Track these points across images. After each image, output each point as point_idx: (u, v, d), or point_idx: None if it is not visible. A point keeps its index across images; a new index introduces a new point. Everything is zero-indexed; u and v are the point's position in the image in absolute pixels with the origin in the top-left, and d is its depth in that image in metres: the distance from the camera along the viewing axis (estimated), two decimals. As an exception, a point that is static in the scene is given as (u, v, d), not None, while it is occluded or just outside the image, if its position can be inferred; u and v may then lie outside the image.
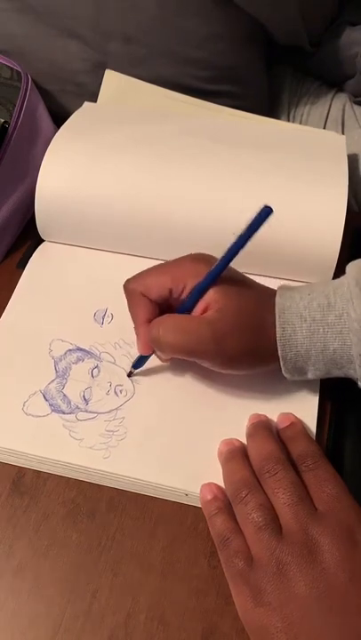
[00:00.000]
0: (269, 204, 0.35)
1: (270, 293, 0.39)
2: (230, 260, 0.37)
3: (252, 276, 0.41)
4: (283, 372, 0.38)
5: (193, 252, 0.40)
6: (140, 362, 0.42)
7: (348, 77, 0.62)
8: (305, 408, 0.41)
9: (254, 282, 0.40)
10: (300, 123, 0.62)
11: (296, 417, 0.40)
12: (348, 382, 0.42)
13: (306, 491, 0.34)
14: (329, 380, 0.43)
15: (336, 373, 0.38)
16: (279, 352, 0.37)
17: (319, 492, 0.34)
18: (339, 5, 0.60)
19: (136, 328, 0.40)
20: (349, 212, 0.45)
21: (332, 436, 0.41)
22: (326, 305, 0.36)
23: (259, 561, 0.32)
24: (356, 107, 0.61)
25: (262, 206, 0.35)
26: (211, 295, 0.37)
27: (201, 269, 0.38)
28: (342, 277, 0.38)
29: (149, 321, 0.39)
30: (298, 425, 0.39)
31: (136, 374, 0.43)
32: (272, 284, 0.48)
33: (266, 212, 0.35)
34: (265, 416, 0.40)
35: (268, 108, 0.63)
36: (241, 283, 0.39)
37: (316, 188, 0.47)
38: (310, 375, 0.38)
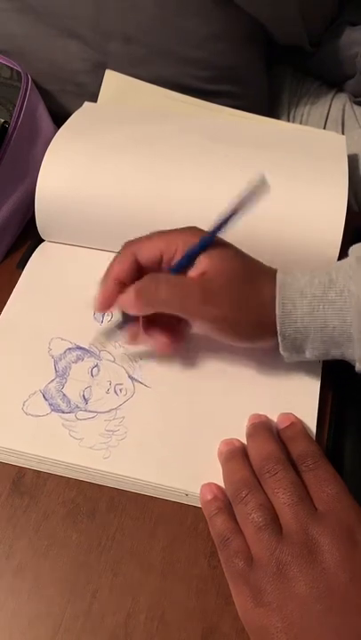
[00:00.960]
0: (266, 232, 0.37)
1: (267, 269, 0.39)
2: (222, 224, 0.37)
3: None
4: (280, 349, 0.38)
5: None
6: (123, 323, 0.42)
7: (348, 77, 0.62)
8: (305, 408, 0.41)
9: (250, 256, 0.40)
10: (300, 123, 0.62)
11: (296, 417, 0.40)
12: (347, 382, 0.42)
13: (306, 491, 0.34)
14: (329, 379, 0.43)
15: (334, 353, 0.38)
16: (278, 328, 0.37)
17: (319, 492, 0.34)
18: (339, 5, 0.60)
19: (104, 280, 0.40)
20: (349, 211, 0.45)
21: (332, 436, 0.41)
22: (328, 282, 0.37)
23: (259, 561, 0.32)
24: (356, 107, 0.61)
25: (258, 176, 0.36)
26: (205, 262, 0.38)
27: (194, 237, 0.38)
28: (345, 259, 0.39)
29: (119, 279, 0.39)
30: (298, 425, 0.39)
31: (136, 377, 0.43)
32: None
33: (260, 181, 0.36)
34: (265, 416, 0.40)
35: (268, 108, 0.63)
36: (236, 251, 0.39)
37: (316, 187, 0.47)
38: (308, 354, 0.38)
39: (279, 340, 0.38)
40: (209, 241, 0.38)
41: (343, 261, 0.38)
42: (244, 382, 0.42)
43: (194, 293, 0.37)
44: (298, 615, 0.30)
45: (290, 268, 0.47)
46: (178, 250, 0.39)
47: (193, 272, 0.38)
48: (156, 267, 0.39)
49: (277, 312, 0.37)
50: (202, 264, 0.38)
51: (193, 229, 0.39)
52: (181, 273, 0.39)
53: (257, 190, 0.36)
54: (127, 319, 0.41)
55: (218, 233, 0.38)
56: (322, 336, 0.37)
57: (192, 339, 0.44)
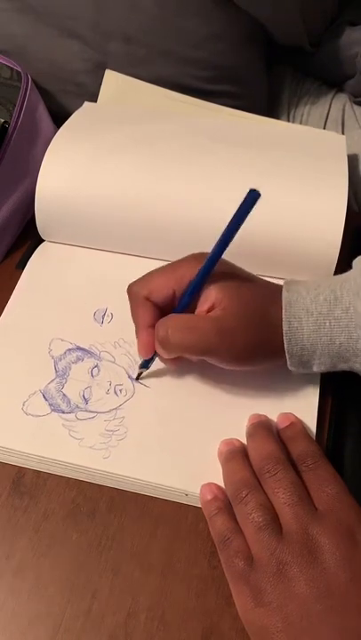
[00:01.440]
0: (256, 188, 0.35)
1: (274, 288, 0.39)
2: (222, 251, 0.37)
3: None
4: (288, 365, 0.38)
5: (194, 252, 0.40)
6: (145, 363, 0.42)
7: (348, 77, 0.62)
8: (305, 408, 0.41)
9: (256, 277, 0.40)
10: (300, 123, 0.62)
11: (296, 417, 0.40)
12: (348, 382, 0.42)
13: (306, 491, 0.34)
14: (329, 380, 0.43)
15: (342, 367, 0.38)
16: (285, 346, 0.37)
17: (319, 492, 0.34)
18: (339, 5, 0.60)
19: (138, 331, 0.40)
20: (349, 211, 0.45)
21: (332, 436, 0.41)
22: (333, 299, 0.37)
23: (259, 561, 0.32)
24: (356, 107, 0.61)
25: (248, 190, 0.35)
26: (214, 295, 0.37)
27: (198, 267, 0.38)
28: (349, 272, 0.39)
29: (151, 325, 0.39)
30: (298, 425, 0.39)
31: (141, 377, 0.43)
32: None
33: (253, 197, 0.35)
34: (265, 416, 0.40)
35: (268, 108, 0.63)
36: (243, 278, 0.39)
37: (317, 187, 0.47)
38: (316, 369, 0.38)
39: (287, 357, 0.38)
40: (209, 269, 0.37)
41: (347, 275, 0.38)
42: (244, 382, 0.42)
43: (210, 337, 0.37)
44: (298, 615, 0.30)
45: (290, 268, 0.47)
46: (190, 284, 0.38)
47: (201, 306, 0.38)
48: (170, 304, 0.39)
49: (284, 329, 0.37)
50: (210, 298, 0.38)
51: (198, 258, 0.39)
52: (189, 308, 0.39)
53: (251, 205, 0.35)
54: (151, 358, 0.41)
55: (217, 259, 0.37)
56: (329, 352, 0.37)
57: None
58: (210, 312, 0.38)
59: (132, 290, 0.40)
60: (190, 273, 0.38)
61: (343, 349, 0.37)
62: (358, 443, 0.41)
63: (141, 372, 0.43)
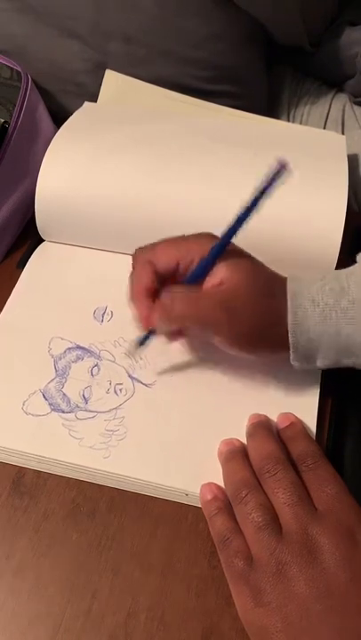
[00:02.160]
0: (266, 232, 0.36)
1: (280, 277, 0.38)
2: (238, 227, 0.37)
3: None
4: (291, 359, 0.38)
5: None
6: (144, 338, 0.41)
7: (348, 77, 0.62)
8: (305, 408, 0.41)
9: (263, 264, 0.40)
10: (300, 123, 0.62)
11: (296, 417, 0.40)
12: (348, 382, 0.42)
13: (306, 491, 0.34)
14: (329, 380, 0.43)
15: (345, 362, 0.37)
16: (290, 338, 0.36)
17: (319, 492, 0.34)
18: (339, 5, 0.60)
19: (134, 295, 0.39)
20: (349, 211, 0.45)
21: (332, 436, 0.41)
22: (339, 290, 0.36)
23: (259, 561, 0.32)
24: (356, 107, 0.61)
25: (278, 161, 0.34)
26: (223, 271, 0.37)
27: (210, 244, 0.37)
28: (354, 265, 0.38)
29: (148, 290, 0.38)
30: (298, 425, 0.39)
31: (136, 377, 0.43)
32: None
33: (281, 166, 0.34)
34: (265, 416, 0.40)
35: (268, 108, 0.63)
36: (252, 261, 0.39)
37: (317, 187, 0.47)
38: (319, 363, 0.38)
39: (291, 350, 0.37)
40: (222, 249, 0.37)
41: (353, 269, 0.38)
42: (244, 382, 0.42)
43: (216, 311, 0.36)
44: (297, 615, 0.30)
45: (290, 268, 0.47)
46: (195, 258, 0.38)
47: (210, 281, 0.37)
48: (173, 275, 0.39)
49: (289, 321, 0.36)
50: (219, 274, 0.37)
51: (208, 236, 0.38)
52: (197, 283, 0.38)
53: (277, 177, 0.34)
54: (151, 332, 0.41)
55: (232, 237, 0.37)
56: (335, 344, 0.36)
57: (191, 339, 0.44)
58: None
59: (136, 252, 0.40)
60: (198, 248, 0.38)
61: (350, 342, 0.36)
62: (358, 443, 0.41)
63: (137, 347, 0.41)
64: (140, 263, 0.39)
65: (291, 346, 0.37)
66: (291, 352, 0.37)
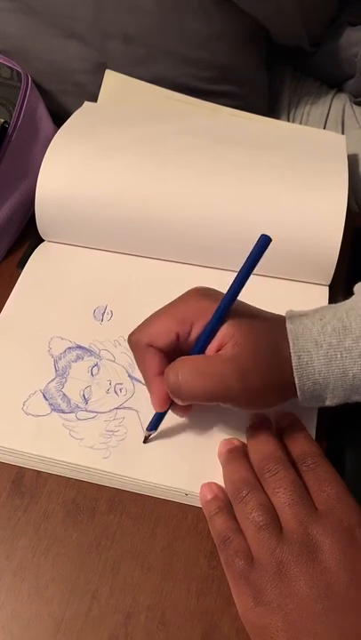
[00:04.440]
0: (266, 233, 0.34)
1: (281, 321, 0.36)
2: (237, 294, 0.35)
3: (252, 277, 0.41)
4: (300, 402, 0.36)
5: (197, 287, 0.38)
6: (156, 421, 0.39)
7: (348, 77, 0.62)
8: (305, 408, 0.41)
9: (261, 310, 0.38)
10: (300, 123, 0.62)
11: (296, 417, 0.40)
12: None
13: (306, 490, 0.34)
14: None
15: (356, 399, 0.36)
16: (296, 382, 0.34)
17: (319, 492, 0.34)
18: (339, 5, 0.60)
19: (147, 383, 0.38)
20: (349, 211, 0.45)
21: (332, 436, 0.41)
22: (342, 328, 0.34)
23: (259, 560, 0.32)
24: (356, 107, 0.61)
25: (260, 236, 0.34)
26: (223, 331, 0.35)
27: (206, 306, 0.36)
28: (352, 299, 0.37)
29: (161, 373, 0.36)
30: (298, 425, 0.39)
31: (136, 376, 0.43)
32: (272, 284, 0.48)
33: (265, 241, 0.34)
34: (265, 416, 0.40)
35: (268, 108, 0.63)
36: (250, 314, 0.37)
37: (317, 187, 0.47)
38: (328, 402, 0.36)
39: (298, 392, 0.35)
40: (225, 311, 0.35)
41: (351, 303, 0.36)
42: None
43: (230, 380, 0.34)
44: (298, 615, 0.30)
45: (290, 268, 0.47)
46: (194, 325, 0.36)
47: (214, 344, 0.35)
48: (174, 348, 0.37)
49: (294, 364, 0.34)
50: (224, 334, 0.35)
51: (201, 296, 0.37)
52: (203, 351, 0.36)
53: (262, 250, 0.34)
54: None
55: (230, 305, 0.35)
56: (342, 384, 0.35)
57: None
58: (220, 350, 0.35)
59: (131, 339, 0.38)
60: (194, 315, 0.36)
61: (357, 381, 0.34)
62: (358, 443, 0.41)
63: (150, 435, 0.40)
64: (140, 350, 0.37)
65: (298, 389, 0.35)
66: (298, 394, 0.35)
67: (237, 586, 0.33)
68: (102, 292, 0.48)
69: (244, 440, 0.39)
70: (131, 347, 0.38)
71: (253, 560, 0.32)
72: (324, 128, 0.61)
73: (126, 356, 0.44)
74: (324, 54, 0.61)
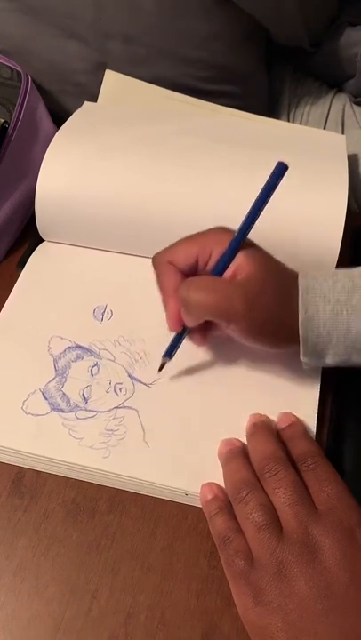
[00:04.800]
0: (266, 233, 0.36)
1: (292, 272, 0.38)
2: (254, 220, 0.37)
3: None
4: (301, 354, 0.37)
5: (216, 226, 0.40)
6: (172, 347, 0.41)
7: (348, 77, 0.62)
8: (305, 408, 0.41)
9: (277, 259, 0.40)
10: (300, 123, 0.62)
11: (296, 417, 0.40)
12: (348, 382, 0.42)
13: (306, 490, 0.34)
14: (329, 380, 0.43)
15: (356, 360, 0.37)
16: (300, 333, 0.36)
17: (319, 492, 0.34)
18: (339, 5, 0.60)
19: (165, 299, 0.40)
20: (349, 211, 0.45)
21: (332, 436, 0.41)
22: (351, 287, 0.36)
23: (259, 560, 0.32)
24: (356, 107, 0.61)
25: (277, 163, 0.35)
26: (238, 261, 0.37)
27: (225, 237, 0.38)
28: None
29: (176, 290, 0.38)
30: (298, 425, 0.39)
31: (135, 376, 0.43)
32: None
33: (280, 169, 0.35)
34: (265, 416, 0.40)
35: (268, 108, 0.63)
36: (266, 254, 0.39)
37: (317, 187, 0.47)
38: (329, 360, 0.38)
39: (301, 344, 0.37)
40: (241, 239, 0.37)
41: None
42: (245, 382, 0.42)
43: (233, 299, 0.36)
44: (298, 615, 0.30)
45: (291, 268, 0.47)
46: (213, 252, 0.38)
47: (229, 272, 0.38)
48: (193, 271, 0.39)
49: (300, 316, 0.36)
50: (238, 263, 0.37)
51: (223, 229, 0.39)
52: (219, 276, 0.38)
53: (278, 178, 0.35)
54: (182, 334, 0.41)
55: (249, 229, 0.37)
56: (345, 341, 0.36)
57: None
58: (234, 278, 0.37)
59: (155, 257, 0.40)
60: (215, 242, 0.38)
61: (360, 339, 0.36)
62: (358, 443, 0.41)
63: (164, 363, 0.41)
64: (161, 266, 0.40)
65: (301, 340, 0.37)
66: (301, 346, 0.37)
67: (237, 586, 0.32)
68: (102, 291, 0.48)
69: (244, 440, 0.39)
70: (153, 265, 0.40)
71: (253, 560, 0.32)
72: (324, 128, 0.61)
73: (126, 356, 0.44)
74: (324, 54, 0.61)
